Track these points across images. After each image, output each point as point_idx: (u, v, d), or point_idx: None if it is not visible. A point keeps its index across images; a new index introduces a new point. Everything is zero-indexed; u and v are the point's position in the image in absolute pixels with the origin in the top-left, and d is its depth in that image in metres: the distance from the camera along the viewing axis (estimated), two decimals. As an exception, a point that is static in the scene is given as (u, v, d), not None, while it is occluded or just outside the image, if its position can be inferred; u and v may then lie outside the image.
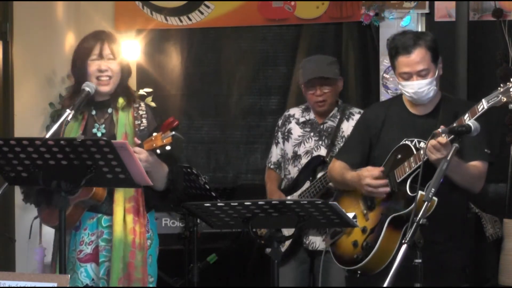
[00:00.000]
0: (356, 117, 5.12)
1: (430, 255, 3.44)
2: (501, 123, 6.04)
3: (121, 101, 4.09)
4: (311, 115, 5.26)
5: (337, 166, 4.35)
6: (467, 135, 3.65)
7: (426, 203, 3.37)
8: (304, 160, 5.20)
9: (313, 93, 5.15)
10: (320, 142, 5.19)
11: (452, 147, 3.59)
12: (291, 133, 5.28)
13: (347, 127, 5.14)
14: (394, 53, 4.08)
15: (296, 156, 5.24)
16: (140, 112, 4.06)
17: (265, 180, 5.48)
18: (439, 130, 3.77)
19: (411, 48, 4.02)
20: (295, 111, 5.35)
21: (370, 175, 4.09)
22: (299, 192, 5.17)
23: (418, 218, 3.32)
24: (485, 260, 6.01)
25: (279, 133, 5.35)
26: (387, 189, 4.06)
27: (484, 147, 4.04)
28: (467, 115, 3.79)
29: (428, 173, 3.69)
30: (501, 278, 5.84)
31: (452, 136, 3.70)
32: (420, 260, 3.34)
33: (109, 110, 4.08)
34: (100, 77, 4.01)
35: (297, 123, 5.29)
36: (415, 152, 3.96)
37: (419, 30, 6.37)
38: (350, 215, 3.95)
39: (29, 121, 6.48)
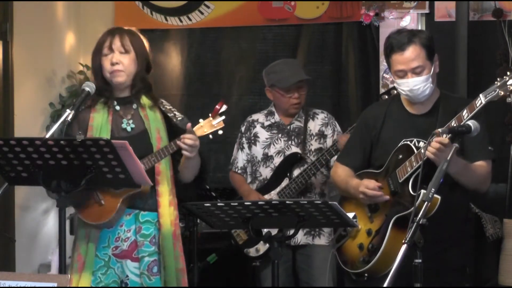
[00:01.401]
0: (321, 116, 5.34)
1: (431, 254, 3.43)
2: (501, 123, 6.04)
3: (146, 101, 4.11)
4: (276, 118, 5.34)
5: (341, 173, 4.32)
6: (468, 135, 3.65)
7: (426, 203, 3.36)
8: (277, 160, 5.26)
9: (291, 97, 5.24)
10: (290, 142, 5.27)
11: (452, 147, 3.58)
12: (258, 137, 5.34)
13: (314, 125, 5.30)
14: (389, 52, 4.07)
15: (267, 157, 5.29)
16: (167, 107, 4.12)
17: (233, 184, 5.45)
18: (439, 130, 3.77)
19: (405, 45, 4.00)
20: (258, 116, 5.42)
21: (366, 185, 4.08)
22: (277, 189, 5.21)
23: (418, 218, 3.32)
24: (485, 260, 6.01)
25: (244, 139, 5.38)
26: (384, 198, 4.07)
27: (487, 145, 4.03)
28: (465, 111, 3.80)
29: (430, 172, 3.69)
30: (501, 278, 5.85)
31: (451, 135, 3.71)
32: (420, 260, 3.33)
33: (134, 106, 4.10)
34: (112, 70, 4.02)
35: (263, 126, 5.35)
36: (415, 151, 3.95)
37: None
38: (350, 215, 3.93)
39: (29, 121, 6.48)
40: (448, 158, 3.50)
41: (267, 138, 5.31)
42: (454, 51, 6.05)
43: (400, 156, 4.03)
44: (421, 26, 6.35)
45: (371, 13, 6.31)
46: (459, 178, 3.88)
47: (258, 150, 5.31)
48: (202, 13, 6.87)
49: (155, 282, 3.98)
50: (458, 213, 4.12)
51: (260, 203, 3.52)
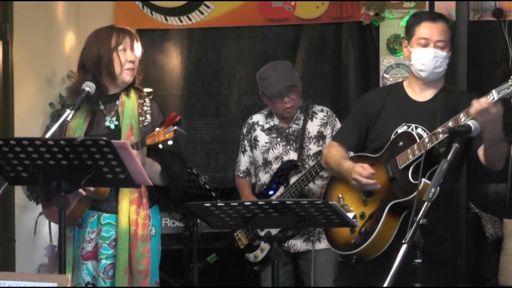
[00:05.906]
0: (320, 115, 5.24)
1: (423, 247, 3.42)
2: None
3: (129, 94, 4.16)
4: (276, 121, 5.29)
5: (334, 153, 4.31)
6: (467, 135, 3.65)
7: (426, 203, 3.36)
8: (275, 166, 5.23)
9: (281, 102, 5.16)
10: (289, 147, 5.22)
11: (452, 147, 3.58)
12: (258, 141, 5.31)
13: (313, 127, 5.21)
14: (417, 21, 4.12)
15: (266, 163, 5.27)
16: (145, 108, 4.10)
17: (237, 188, 5.50)
18: (439, 129, 3.78)
19: (437, 19, 4.12)
20: (258, 118, 5.37)
21: (360, 172, 4.06)
22: (273, 197, 5.18)
23: (418, 218, 3.32)
24: (485, 260, 6.02)
25: (245, 141, 5.38)
26: (376, 187, 4.06)
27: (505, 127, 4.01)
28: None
29: (430, 162, 3.75)
30: (501, 278, 5.85)
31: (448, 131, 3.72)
32: (420, 260, 3.33)
33: (117, 102, 4.12)
34: (127, 68, 4.08)
35: (262, 130, 5.31)
36: (418, 140, 3.96)
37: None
38: (350, 215, 3.94)
39: (29, 121, 6.48)
40: (448, 158, 3.49)
41: (266, 143, 5.28)
42: (454, 51, 6.03)
43: (401, 143, 4.04)
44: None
45: (371, 13, 6.32)
46: (489, 147, 3.87)
47: (258, 155, 5.30)
48: (202, 13, 6.87)
49: (109, 285, 3.98)
50: (448, 205, 4.08)
51: (260, 203, 3.52)
